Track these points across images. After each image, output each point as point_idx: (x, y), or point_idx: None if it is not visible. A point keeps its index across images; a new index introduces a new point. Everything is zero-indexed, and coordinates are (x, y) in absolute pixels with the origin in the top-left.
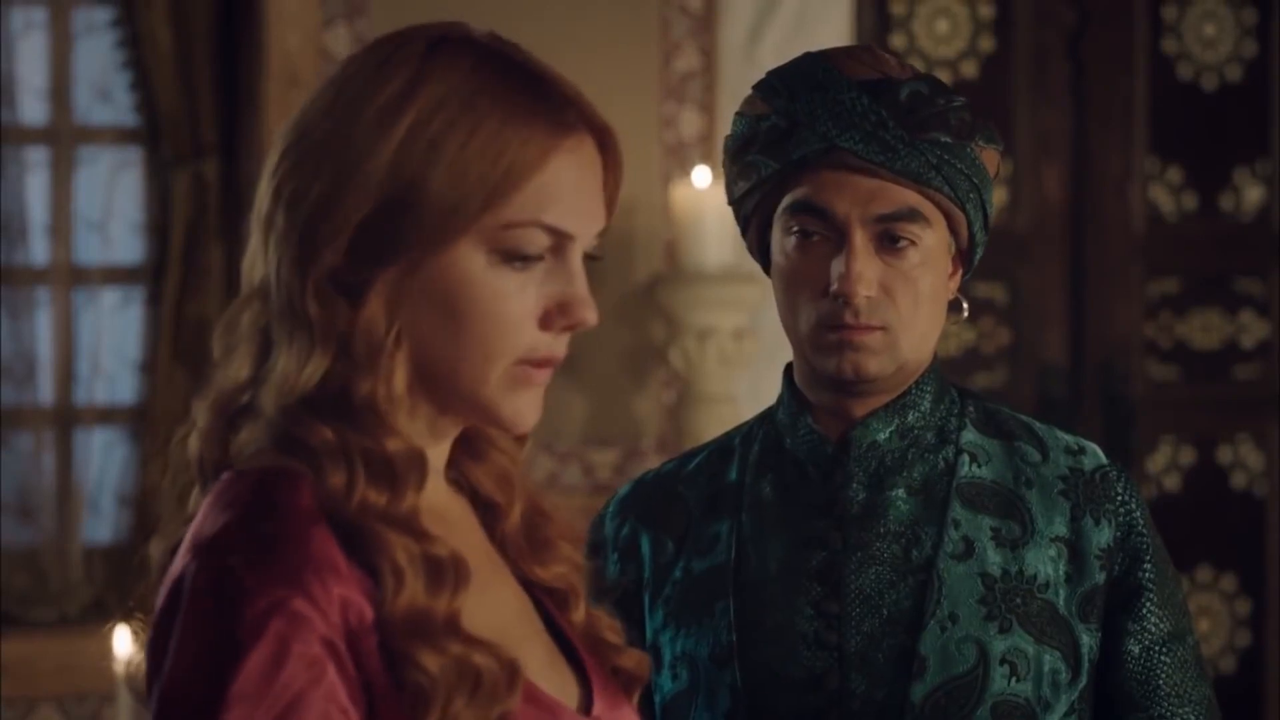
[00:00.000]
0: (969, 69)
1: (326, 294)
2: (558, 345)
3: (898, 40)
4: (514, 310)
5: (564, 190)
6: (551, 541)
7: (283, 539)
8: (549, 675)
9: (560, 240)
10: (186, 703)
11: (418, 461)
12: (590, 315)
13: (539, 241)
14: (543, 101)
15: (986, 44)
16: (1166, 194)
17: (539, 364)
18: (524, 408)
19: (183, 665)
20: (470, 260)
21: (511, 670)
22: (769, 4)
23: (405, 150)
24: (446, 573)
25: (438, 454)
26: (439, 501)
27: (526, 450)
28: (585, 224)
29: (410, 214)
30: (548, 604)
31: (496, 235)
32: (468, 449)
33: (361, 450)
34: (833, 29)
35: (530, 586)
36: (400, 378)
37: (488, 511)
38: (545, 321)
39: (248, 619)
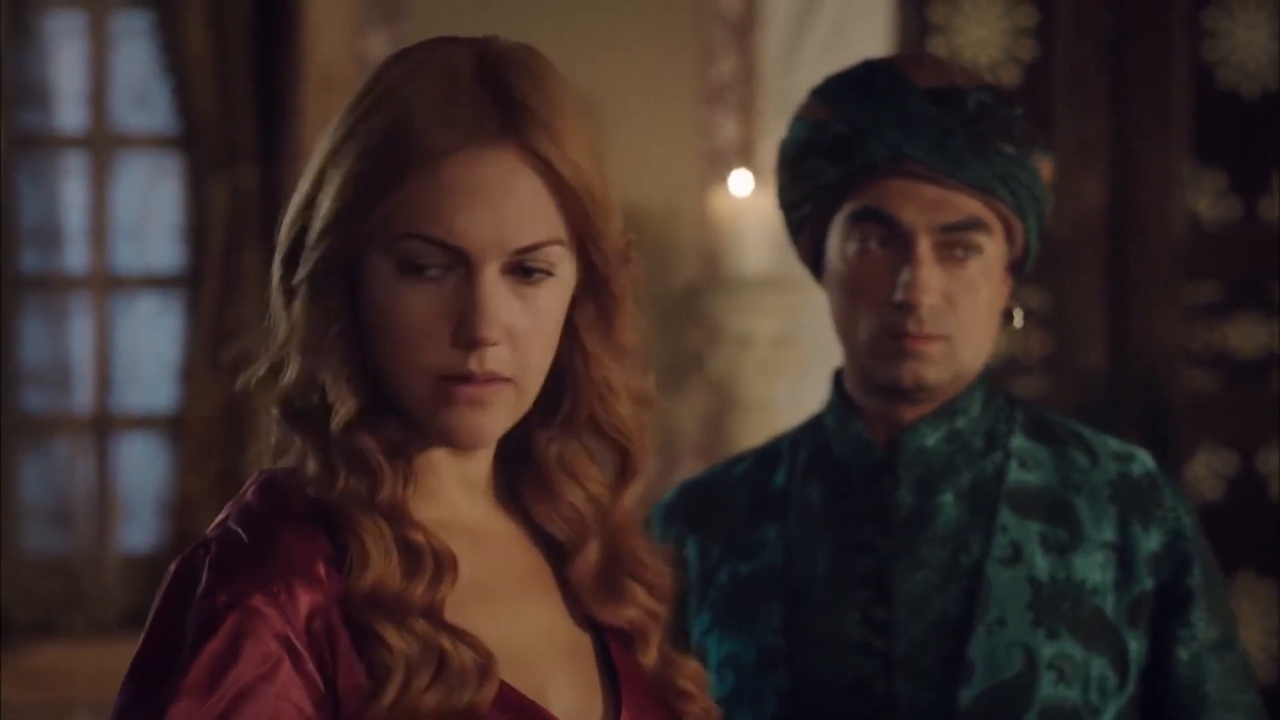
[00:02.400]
0: (1009, 76)
1: (293, 300)
2: (478, 363)
3: (938, 47)
4: (415, 322)
5: (450, 203)
6: (624, 586)
7: (258, 538)
8: (570, 704)
9: (456, 254)
10: (141, 691)
11: (400, 452)
12: (481, 331)
13: (427, 253)
14: (446, 112)
15: (1027, 51)
16: (1207, 200)
17: (461, 381)
18: (456, 425)
19: (144, 653)
20: (382, 269)
21: (485, 663)
22: (808, 10)
23: (327, 160)
24: (424, 560)
25: (464, 468)
26: (469, 519)
27: (631, 494)
28: (480, 238)
29: (319, 225)
30: (609, 639)
31: (394, 245)
32: (538, 484)
33: (340, 445)
34: (873, 35)
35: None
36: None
37: (550, 542)
38: (455, 338)
39: (205, 613)
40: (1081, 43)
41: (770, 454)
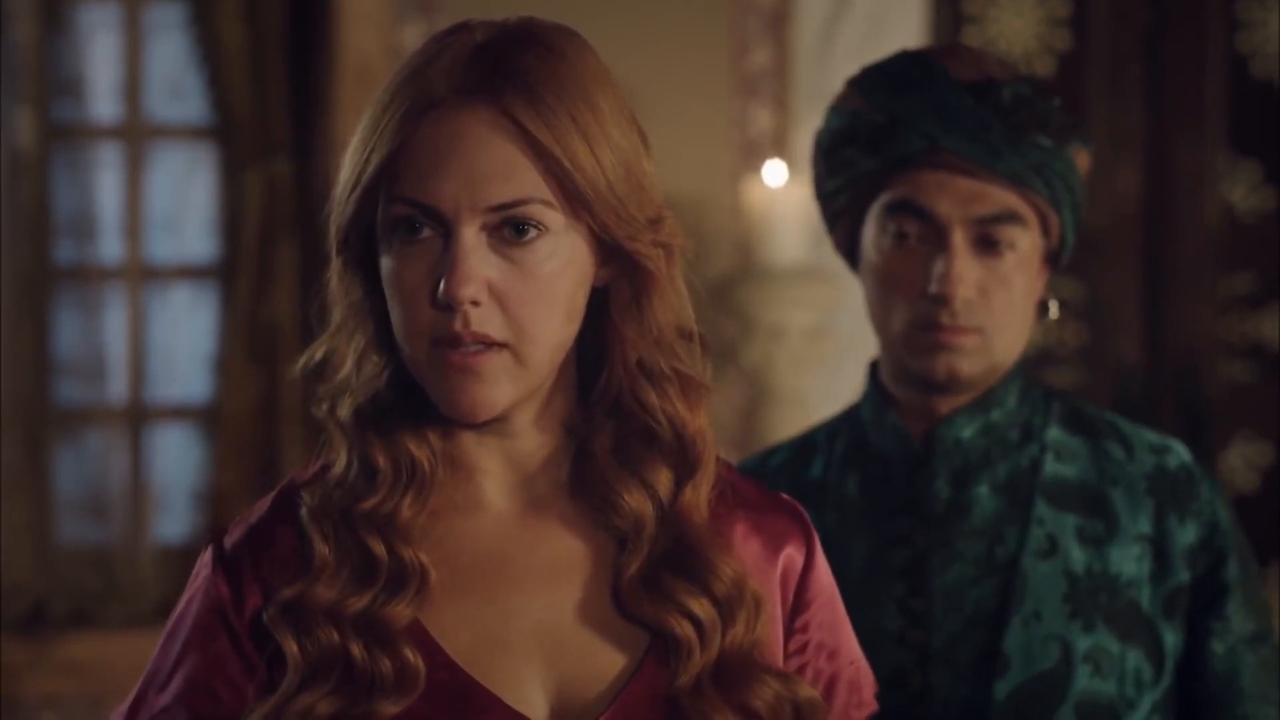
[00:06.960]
0: (1044, 67)
1: (340, 280)
2: (462, 324)
3: (972, 37)
4: (408, 284)
5: (424, 162)
6: (668, 587)
7: (253, 528)
8: (543, 699)
9: (434, 214)
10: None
11: (403, 468)
12: (454, 290)
13: (409, 213)
14: (429, 75)
15: (1062, 42)
16: (1241, 192)
17: (450, 345)
18: (450, 394)
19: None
20: (387, 234)
21: (404, 676)
22: (842, 1)
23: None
24: (378, 573)
25: (503, 446)
26: (502, 501)
27: (695, 490)
28: (453, 196)
29: (339, 194)
30: (655, 646)
31: (388, 208)
32: (596, 476)
33: (350, 438)
34: (907, 26)
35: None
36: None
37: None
38: (437, 298)
39: (189, 583)
40: (1116, 34)
41: (807, 444)
